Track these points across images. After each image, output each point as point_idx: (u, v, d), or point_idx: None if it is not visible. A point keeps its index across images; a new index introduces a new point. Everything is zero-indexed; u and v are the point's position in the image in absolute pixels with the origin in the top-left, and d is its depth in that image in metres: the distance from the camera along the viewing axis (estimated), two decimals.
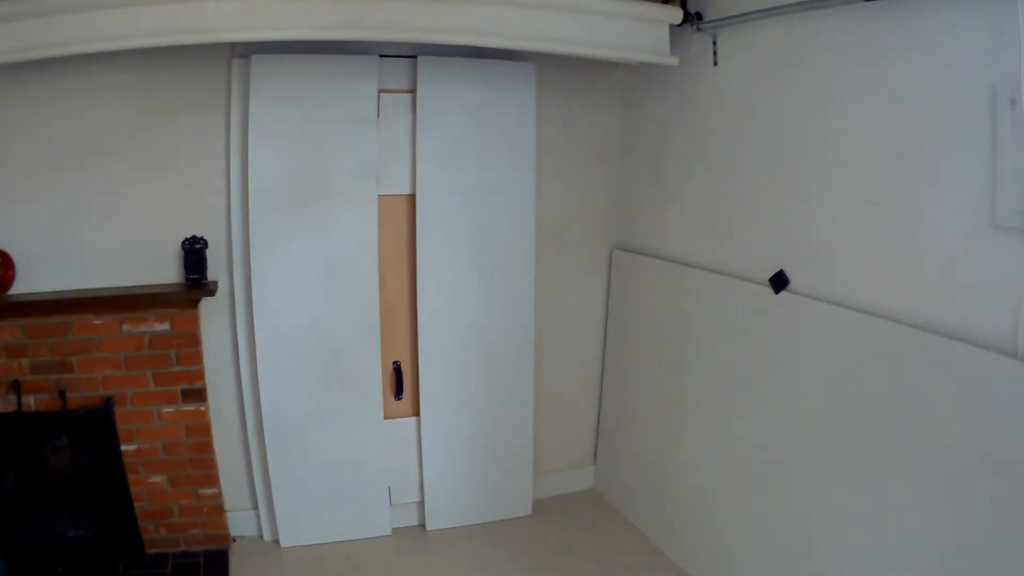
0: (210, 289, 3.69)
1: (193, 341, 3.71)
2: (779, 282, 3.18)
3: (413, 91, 3.88)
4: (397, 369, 4.04)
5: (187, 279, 3.72)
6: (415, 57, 3.87)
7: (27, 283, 3.58)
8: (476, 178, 3.98)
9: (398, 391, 4.05)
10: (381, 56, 3.82)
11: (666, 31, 3.79)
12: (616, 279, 4.40)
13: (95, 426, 3.67)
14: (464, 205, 3.98)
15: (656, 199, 4.11)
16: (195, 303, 3.69)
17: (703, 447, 3.72)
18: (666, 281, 3.95)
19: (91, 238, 3.63)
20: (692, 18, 3.76)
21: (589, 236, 4.42)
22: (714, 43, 3.64)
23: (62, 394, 3.59)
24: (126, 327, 3.63)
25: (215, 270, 3.78)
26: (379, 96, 3.83)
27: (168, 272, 3.74)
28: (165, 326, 3.68)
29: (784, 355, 3.14)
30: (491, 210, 4.03)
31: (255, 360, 3.80)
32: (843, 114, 2.87)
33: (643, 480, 4.13)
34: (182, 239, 3.72)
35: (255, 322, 3.76)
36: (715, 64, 3.66)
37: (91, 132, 3.58)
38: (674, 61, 3.78)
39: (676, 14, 3.73)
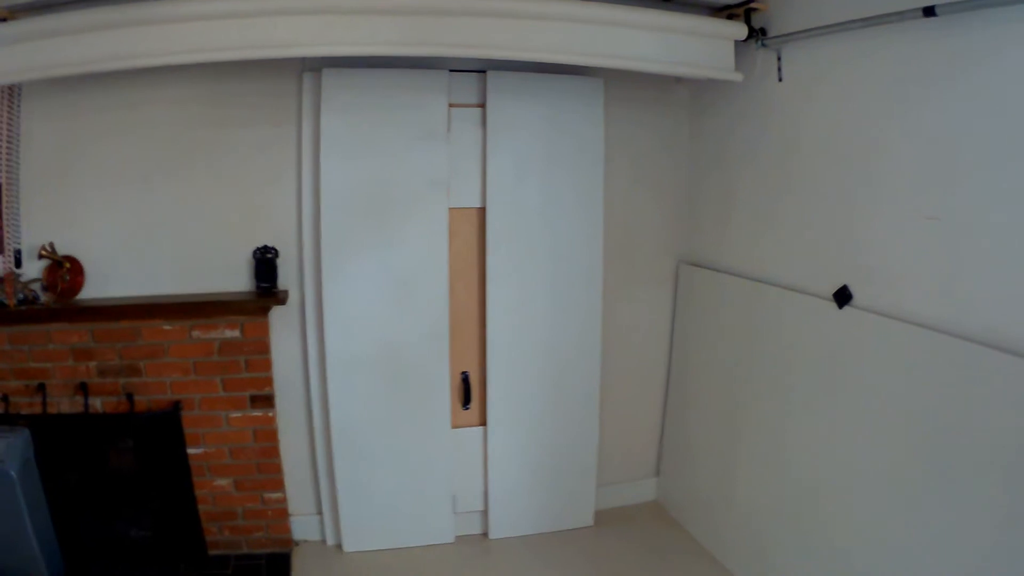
0: (280, 298, 2.99)
1: (263, 348, 3.01)
2: (843, 297, 2.59)
3: (482, 105, 3.14)
4: (465, 379, 3.30)
5: (258, 287, 3.04)
6: (484, 72, 3.13)
7: (98, 288, 2.93)
8: (545, 191, 3.25)
9: (466, 401, 3.31)
10: (451, 71, 3.11)
11: (731, 47, 3.03)
12: (682, 293, 3.63)
13: (162, 429, 2.97)
14: (533, 218, 3.24)
15: (721, 213, 3.37)
16: (265, 311, 2.99)
17: (764, 462, 2.98)
18: (730, 294, 3.22)
19: (162, 246, 3.00)
20: (756, 34, 3.07)
21: (655, 250, 3.64)
22: (779, 59, 2.92)
23: (130, 397, 2.90)
24: (196, 333, 2.94)
25: (285, 279, 3.10)
26: (449, 110, 3.12)
27: (239, 280, 3.07)
28: (235, 333, 2.99)
29: (847, 370, 2.56)
30: (559, 223, 3.29)
31: (324, 367, 3.09)
32: (907, 128, 2.35)
33: (705, 493, 3.38)
34: (253, 249, 3.04)
35: (325, 330, 3.06)
36: (780, 80, 2.97)
37: (163, 143, 2.96)
38: (738, 77, 3.03)
39: (741, 30, 3.00)
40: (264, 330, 3.03)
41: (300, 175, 3.09)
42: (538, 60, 2.79)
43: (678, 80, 3.51)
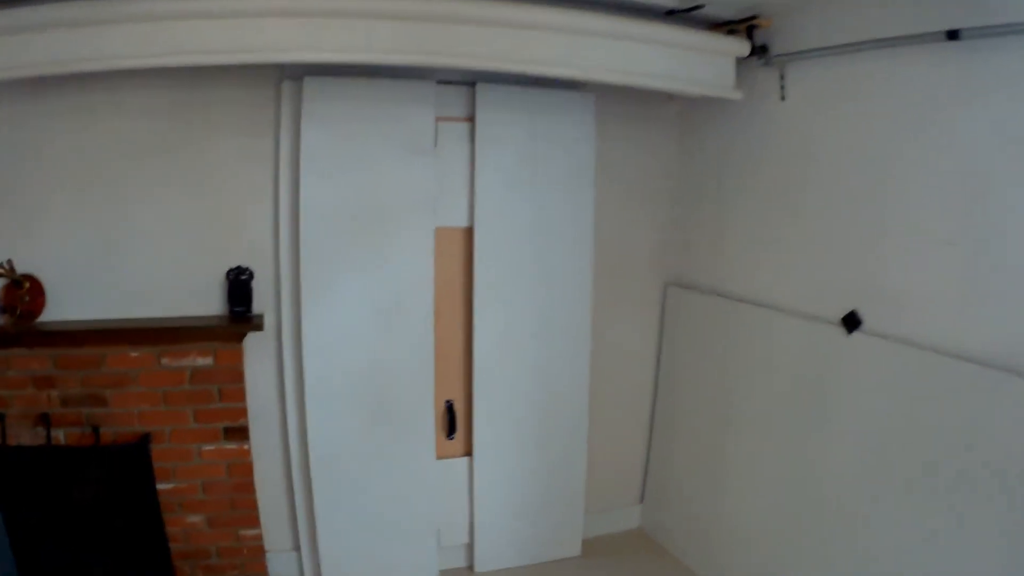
0: (256, 323, 2.78)
1: (237, 377, 2.80)
2: (851, 322, 2.50)
3: (471, 119, 2.98)
4: (450, 408, 3.12)
5: (232, 312, 2.83)
6: (473, 84, 2.97)
7: (59, 310, 2.69)
8: (534, 210, 3.09)
9: (450, 430, 3.13)
10: (439, 82, 2.93)
11: (731, 64, 2.91)
12: (669, 315, 3.49)
13: (130, 463, 2.74)
14: (522, 238, 3.08)
15: (714, 234, 3.24)
16: (240, 337, 2.78)
17: (757, 487, 2.90)
18: (723, 318, 3.11)
19: (129, 266, 2.77)
20: (759, 51, 3.03)
21: (642, 271, 3.50)
22: (782, 77, 2.81)
23: (95, 429, 2.70)
24: (165, 361, 2.73)
25: (261, 303, 2.89)
26: (436, 124, 2.92)
27: (210, 304, 2.86)
28: (208, 361, 2.77)
29: (853, 396, 2.47)
30: (549, 243, 3.13)
31: (303, 396, 2.89)
32: (920, 153, 2.28)
33: (693, 519, 3.26)
34: (227, 269, 2.83)
35: (304, 357, 2.86)
36: (783, 99, 2.86)
37: (130, 154, 2.73)
38: (737, 95, 2.91)
39: (743, 47, 2.87)
40: (238, 358, 2.82)
41: (278, 190, 2.89)
42: (533, 72, 2.64)
43: (670, 97, 3.37)
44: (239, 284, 2.86)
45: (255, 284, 2.88)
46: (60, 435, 2.70)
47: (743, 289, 3.07)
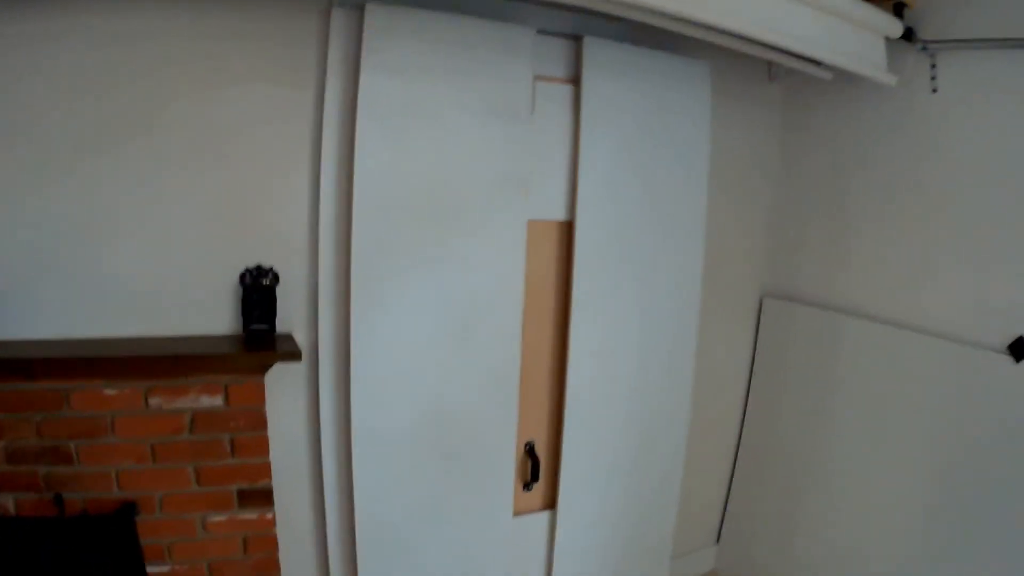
0: (288, 349, 1.96)
1: (257, 422, 1.99)
2: (1019, 349, 2.08)
3: (574, 82, 2.25)
4: (531, 451, 2.42)
5: (248, 330, 2.01)
6: (580, 38, 2.26)
7: (1, 327, 1.85)
8: (645, 201, 2.41)
9: (531, 479, 2.42)
10: (538, 32, 2.28)
11: (882, 44, 2.33)
12: (766, 332, 2.91)
13: (107, 541, 1.89)
14: (629, 236, 2.39)
15: (831, 241, 2.70)
16: (262, 367, 1.97)
17: (874, 533, 2.44)
18: (838, 337, 2.60)
19: (104, 264, 1.90)
20: (912, 34, 2.38)
21: (736, 280, 2.90)
22: (933, 67, 2.30)
23: (57, 496, 1.86)
24: (155, 401, 1.88)
25: (287, 316, 2.08)
26: (534, 84, 2.24)
27: (217, 317, 2.03)
28: (216, 400, 1.93)
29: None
30: (658, 243, 2.47)
31: (348, 444, 2.12)
32: None
33: (787, 565, 2.75)
34: (242, 270, 2.02)
35: (352, 392, 2.07)
36: (934, 91, 2.31)
37: (112, 103, 1.85)
38: (892, 80, 2.33)
39: (896, 26, 2.30)
40: (259, 395, 2.00)
41: (318, 160, 2.07)
42: (693, 18, 1.93)
43: (770, 76, 2.76)
44: (259, 291, 2.03)
45: (281, 290, 2.07)
46: (8, 503, 1.83)
47: (868, 305, 2.55)
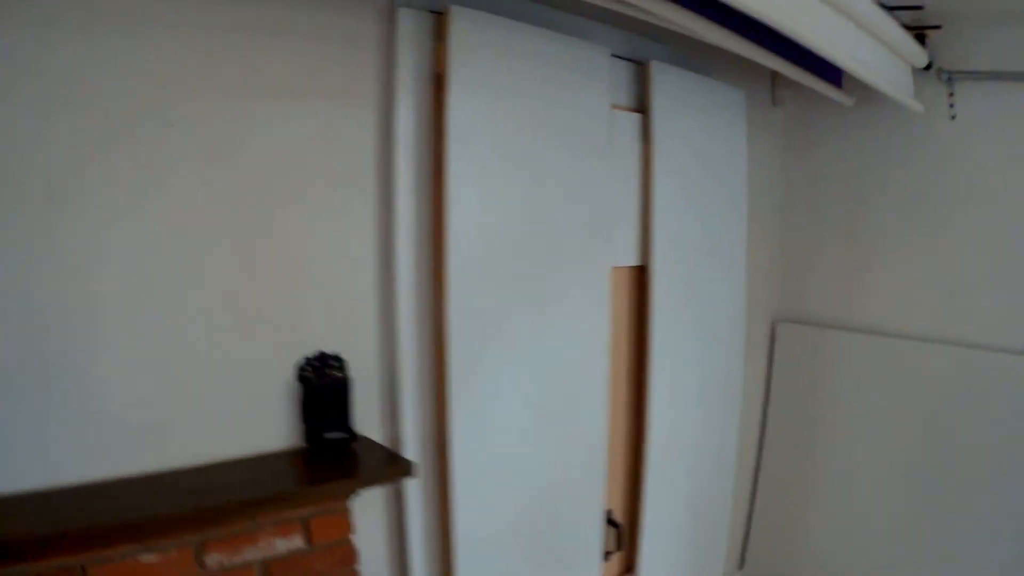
0: (400, 466, 1.46)
1: (346, 558, 1.43)
2: None
3: (642, 111, 2.03)
4: (611, 520, 2.08)
5: (318, 439, 1.45)
6: (646, 63, 2.01)
7: None
8: (701, 237, 2.24)
9: (612, 549, 2.09)
10: (612, 55, 1.95)
11: (909, 72, 2.40)
12: (781, 356, 2.86)
13: None
14: (692, 276, 2.20)
15: (849, 262, 2.70)
16: (347, 492, 1.43)
17: (899, 555, 2.44)
18: (857, 356, 2.60)
19: (100, 368, 1.26)
20: (931, 63, 2.42)
21: (751, 307, 2.73)
22: (951, 95, 2.42)
23: None
24: (214, 559, 1.26)
25: (359, 412, 1.55)
26: (611, 113, 2.00)
27: (267, 426, 1.45)
28: (295, 542, 1.36)
29: None
30: (712, 279, 2.31)
31: (445, 560, 1.64)
32: None
33: None
34: (299, 360, 1.46)
35: (455, 499, 1.59)
36: (952, 118, 2.42)
37: (105, 119, 1.24)
38: (920, 107, 2.40)
39: (922, 55, 2.36)
40: (347, 525, 1.44)
41: (391, 206, 1.56)
42: (803, 40, 1.78)
43: (774, 101, 2.75)
44: (328, 387, 1.47)
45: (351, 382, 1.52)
46: None
47: (887, 323, 2.59)
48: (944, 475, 2.37)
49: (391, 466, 1.44)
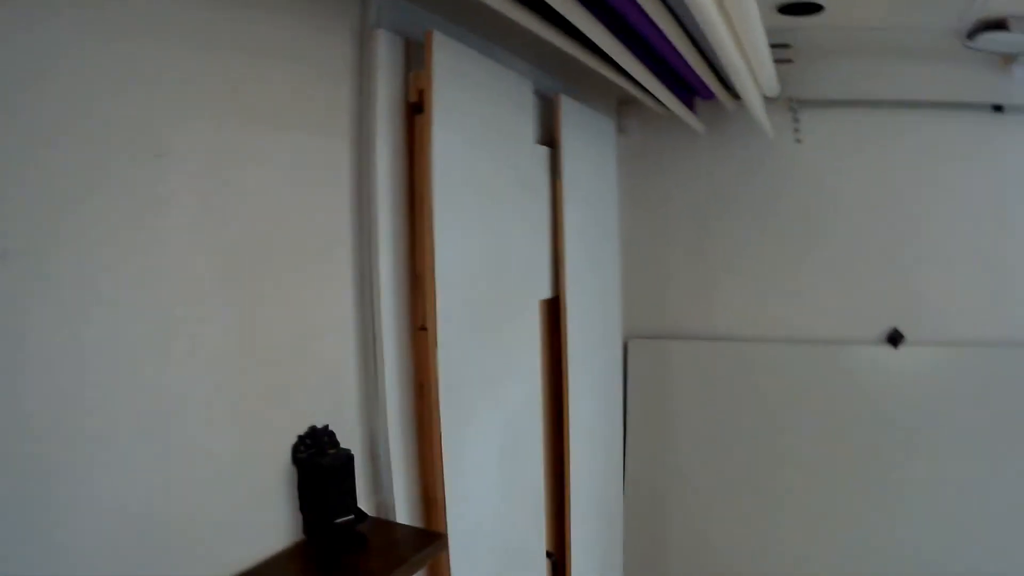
0: (434, 542, 1.29)
1: None
2: (895, 338, 2.68)
3: (551, 144, 2.03)
4: (554, 562, 2.03)
5: (327, 527, 1.21)
6: (556, 96, 2.02)
7: None
8: (594, 268, 2.31)
9: None
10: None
11: (761, 100, 2.60)
12: (636, 374, 2.95)
13: None
14: (589, 307, 2.25)
15: (699, 279, 2.92)
16: None
17: (798, 538, 2.76)
18: (719, 362, 2.84)
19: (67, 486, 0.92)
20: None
21: (599, 322, 2.68)
22: (796, 119, 2.78)
23: None
24: None
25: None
26: (533, 147, 1.93)
27: (265, 521, 1.18)
28: None
29: (907, 406, 2.65)
30: (598, 308, 2.38)
31: None
32: (942, 189, 2.66)
33: None
34: (296, 439, 1.22)
35: (453, 565, 1.44)
36: (798, 141, 2.79)
37: (46, 153, 0.88)
38: (772, 133, 2.71)
39: (775, 85, 2.55)
40: None
41: (373, 248, 1.38)
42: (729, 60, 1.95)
43: (619, 129, 2.92)
44: (335, 468, 1.25)
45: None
46: None
47: (739, 329, 2.90)
48: (794, 465, 2.76)
49: (423, 544, 1.27)
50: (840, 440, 2.73)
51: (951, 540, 2.60)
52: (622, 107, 2.87)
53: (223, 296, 1.10)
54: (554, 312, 2.07)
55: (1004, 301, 2.64)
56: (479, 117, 1.60)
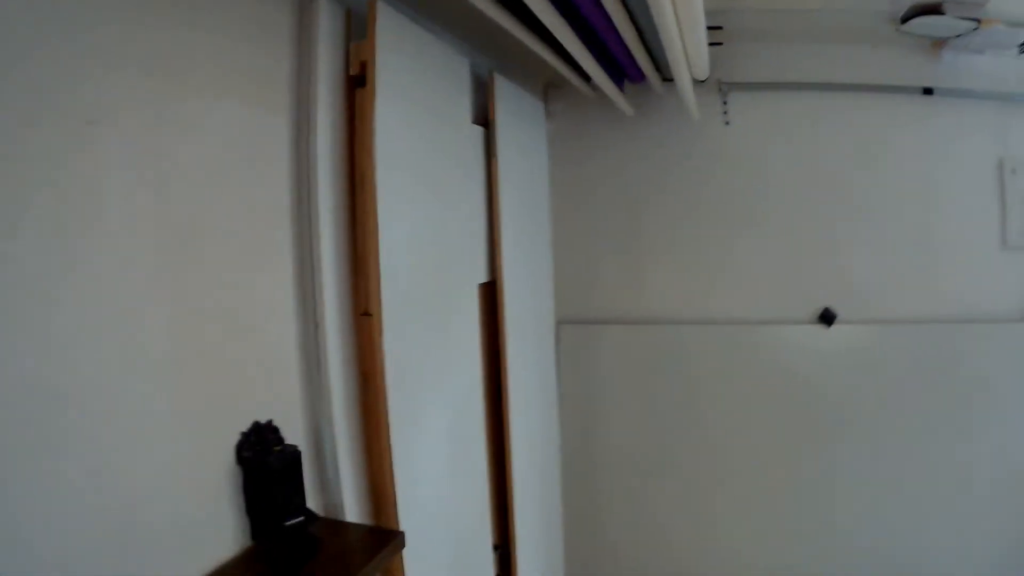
0: (386, 547, 1.20)
1: None
2: (828, 318, 2.71)
3: (486, 124, 1.97)
4: (501, 554, 1.98)
5: (277, 530, 1.13)
6: (490, 74, 1.97)
7: None
8: (529, 248, 2.28)
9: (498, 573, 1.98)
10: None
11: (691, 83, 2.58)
12: (568, 360, 2.90)
13: None
14: (524, 292, 2.20)
15: (628, 262, 2.88)
16: None
17: (741, 525, 2.81)
18: (654, 346, 2.81)
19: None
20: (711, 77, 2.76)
21: (530, 307, 2.61)
22: (725, 103, 2.80)
23: None
24: None
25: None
26: (471, 128, 1.85)
27: (213, 527, 1.10)
28: None
29: (840, 385, 2.71)
30: (530, 291, 2.33)
31: None
32: (873, 171, 2.70)
33: None
34: (240, 435, 1.12)
35: (407, 564, 1.37)
36: (726, 124, 2.81)
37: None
38: (697, 115, 2.67)
39: (705, 70, 2.49)
40: None
41: (314, 230, 1.29)
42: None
43: (548, 114, 2.87)
44: (283, 467, 1.16)
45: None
46: None
47: (678, 313, 2.89)
48: (729, 445, 2.80)
49: (380, 545, 1.20)
50: (774, 419, 2.79)
51: (885, 517, 2.71)
52: (549, 91, 2.84)
53: (157, 280, 1.00)
54: (490, 297, 2.03)
55: (934, 279, 2.71)
56: (420, 92, 1.53)
